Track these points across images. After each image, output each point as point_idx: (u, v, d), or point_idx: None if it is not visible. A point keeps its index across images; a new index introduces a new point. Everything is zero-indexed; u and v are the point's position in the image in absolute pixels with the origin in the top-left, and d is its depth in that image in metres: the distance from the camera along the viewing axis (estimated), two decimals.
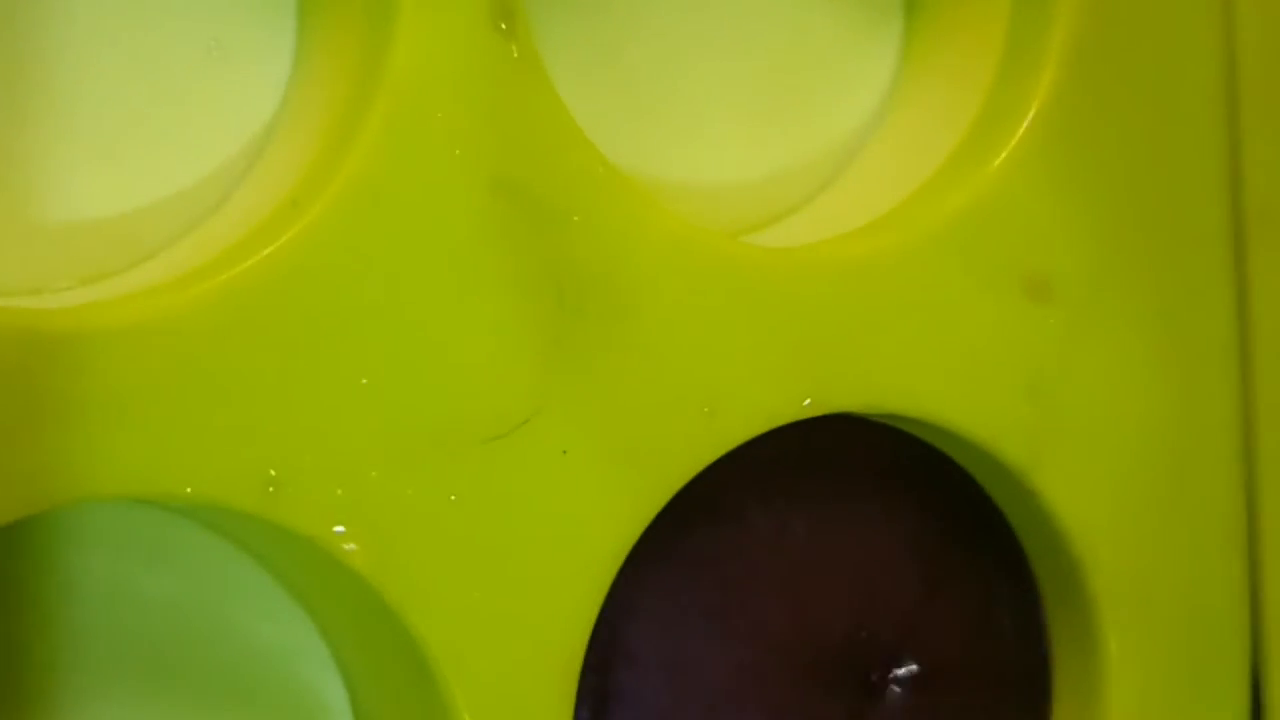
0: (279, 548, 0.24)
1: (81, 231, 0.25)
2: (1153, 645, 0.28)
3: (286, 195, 0.23)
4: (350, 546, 0.23)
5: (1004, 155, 0.27)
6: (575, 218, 0.24)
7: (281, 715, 0.25)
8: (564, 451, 0.24)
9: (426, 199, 0.23)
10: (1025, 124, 0.27)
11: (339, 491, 0.23)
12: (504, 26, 0.24)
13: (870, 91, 0.29)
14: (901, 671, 0.27)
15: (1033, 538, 0.28)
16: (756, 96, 0.28)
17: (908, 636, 0.27)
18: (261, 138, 0.25)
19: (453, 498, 0.23)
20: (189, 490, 0.22)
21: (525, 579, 0.24)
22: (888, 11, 0.29)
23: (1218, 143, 0.28)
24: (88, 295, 0.24)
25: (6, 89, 0.24)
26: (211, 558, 0.25)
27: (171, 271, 0.24)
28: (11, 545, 0.24)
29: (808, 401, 0.26)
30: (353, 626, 0.25)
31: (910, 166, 0.28)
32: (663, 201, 0.25)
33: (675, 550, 0.26)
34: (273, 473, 0.22)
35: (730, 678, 0.27)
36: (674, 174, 0.28)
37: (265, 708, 0.26)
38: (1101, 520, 0.27)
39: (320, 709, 0.26)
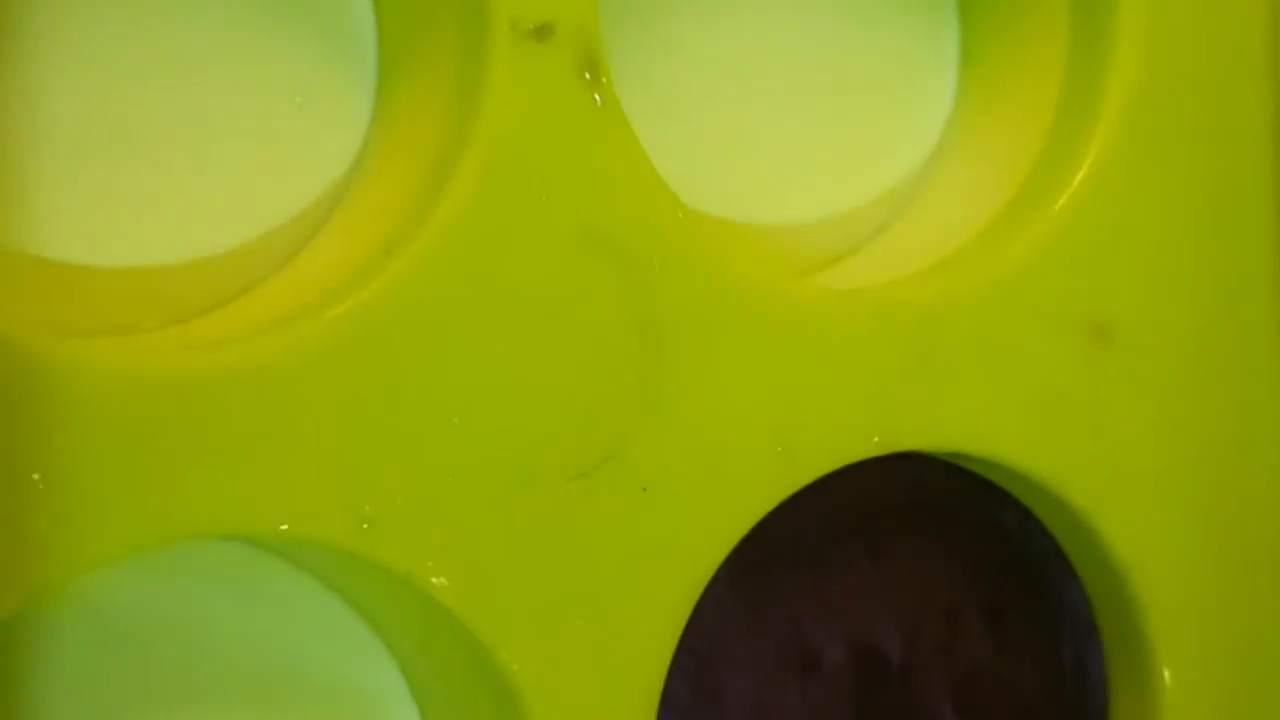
0: (369, 584, 0.25)
1: (168, 273, 0.25)
2: (1209, 684, 0.28)
3: (379, 241, 0.24)
4: (440, 581, 0.23)
5: (1064, 199, 0.27)
6: (656, 263, 0.25)
7: None
8: (644, 489, 0.25)
9: (516, 245, 0.24)
10: (1085, 169, 0.27)
11: (431, 529, 0.23)
12: (588, 75, 0.24)
13: (927, 135, 0.30)
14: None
15: (1092, 575, 0.28)
16: (819, 139, 0.29)
17: (969, 671, 0.28)
18: (342, 183, 0.26)
19: (539, 534, 0.24)
20: (285, 527, 0.23)
21: (607, 612, 0.24)
22: (944, 54, 0.30)
23: (1269, 188, 0.29)
24: (176, 335, 0.25)
25: (99, 135, 0.25)
26: (300, 596, 0.25)
27: (257, 313, 0.25)
28: (106, 581, 0.24)
29: (876, 439, 0.26)
30: (438, 663, 0.25)
31: (969, 210, 0.29)
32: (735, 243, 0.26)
33: (751, 587, 0.27)
34: (368, 509, 0.23)
35: (798, 716, 0.27)
36: (739, 213, 0.28)
37: None
38: (1160, 559, 0.28)
39: None
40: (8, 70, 0.24)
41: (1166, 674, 0.28)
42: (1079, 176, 0.27)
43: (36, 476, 0.21)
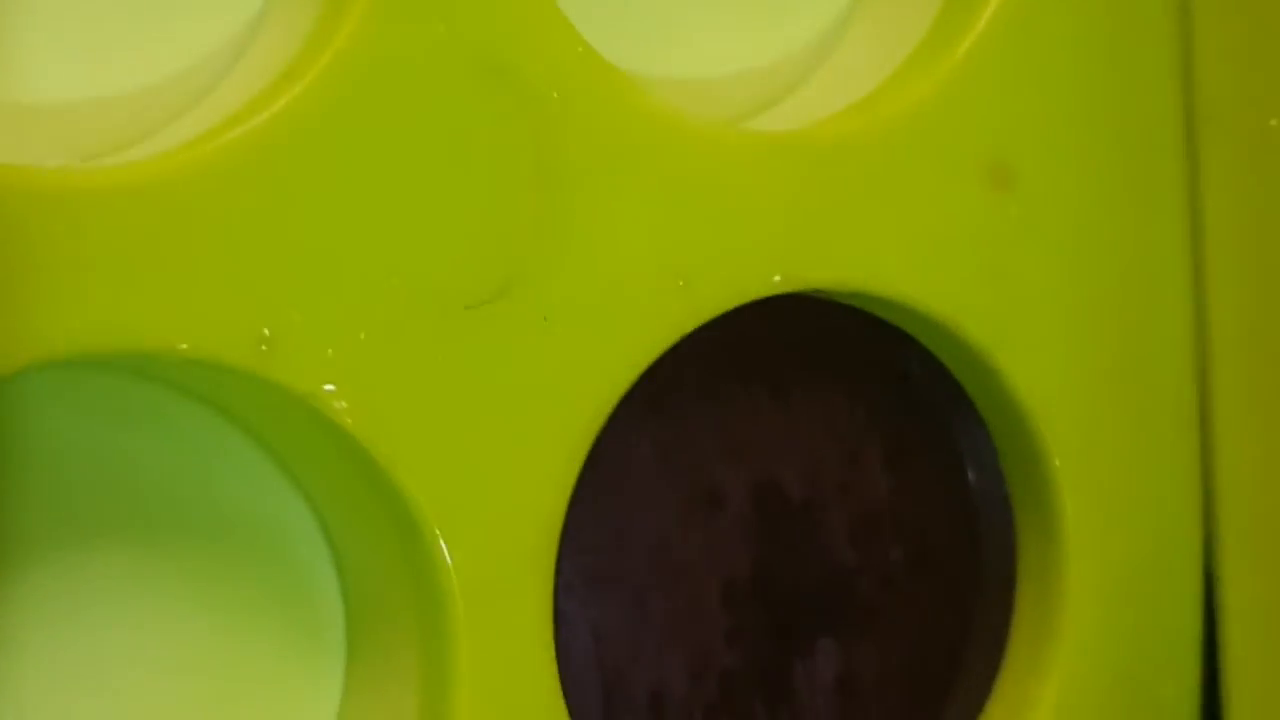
0: (269, 409, 0.25)
1: (77, 113, 0.25)
2: (1111, 520, 0.29)
3: (281, 70, 0.24)
4: (340, 405, 0.24)
5: (967, 44, 0.28)
6: (554, 94, 0.25)
7: (266, 577, 0.26)
8: (544, 318, 0.25)
9: (413, 73, 0.24)
10: (987, 14, 0.28)
11: (329, 351, 0.24)
12: None
13: None
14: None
15: (995, 416, 0.29)
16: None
17: (870, 511, 0.29)
18: (253, 21, 0.26)
19: (438, 360, 0.24)
20: (184, 346, 0.23)
21: (508, 439, 0.25)
22: None
23: (1170, 36, 0.29)
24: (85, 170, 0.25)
25: None
26: (200, 427, 0.26)
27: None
28: (11, 412, 0.25)
29: (777, 278, 0.27)
30: (339, 488, 0.26)
31: (878, 61, 0.29)
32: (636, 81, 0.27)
33: (656, 426, 0.27)
34: (266, 332, 0.23)
35: (701, 553, 0.28)
36: (650, 69, 0.29)
37: (250, 571, 0.26)
38: (1062, 399, 0.28)
39: (305, 571, 0.26)
40: None
41: (1068, 505, 0.28)
42: (981, 21, 0.28)
43: None
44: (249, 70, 0.26)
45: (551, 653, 0.25)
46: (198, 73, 0.26)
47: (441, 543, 0.24)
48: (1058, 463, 0.28)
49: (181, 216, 0.23)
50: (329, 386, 0.24)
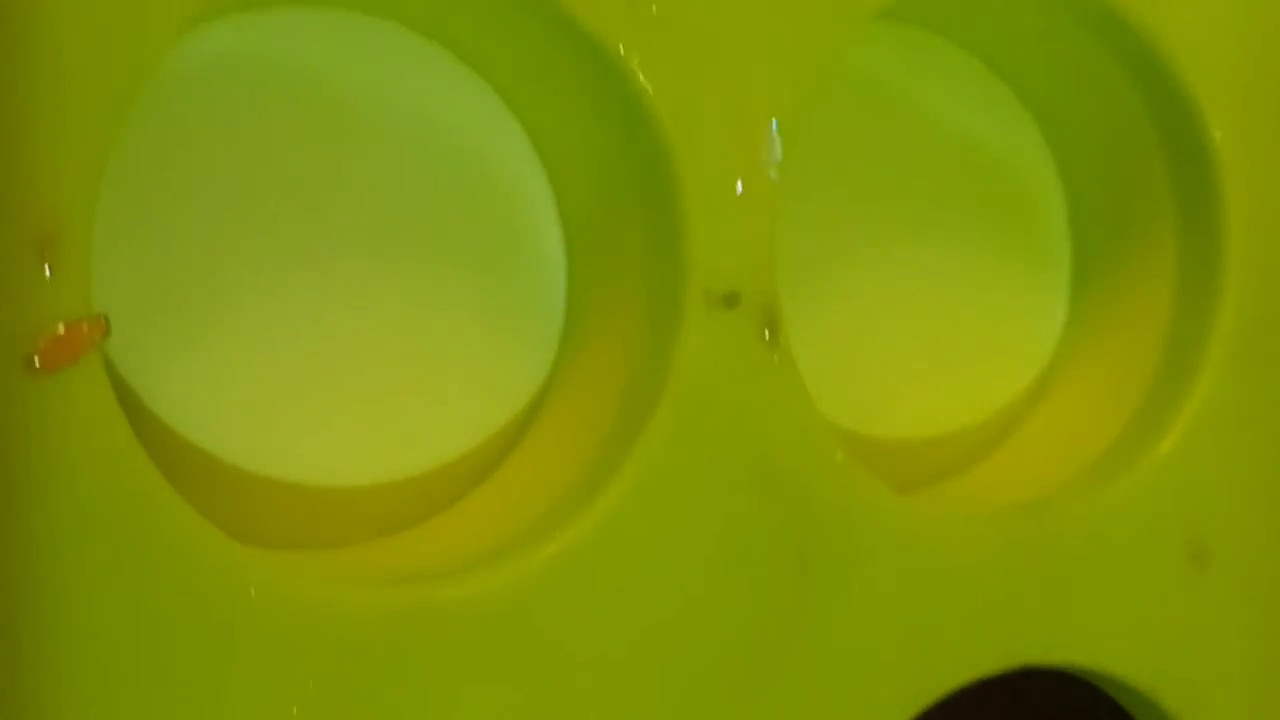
0: None
1: (374, 492, 0.28)
2: None
3: (571, 477, 0.27)
4: None
5: (1169, 443, 0.30)
6: (818, 500, 0.28)
7: None
8: (799, 699, 0.28)
9: (698, 486, 0.27)
10: (1188, 413, 0.30)
11: None
12: (768, 336, 0.27)
13: (1035, 363, 0.33)
14: None
15: None
16: (938, 366, 0.32)
17: None
18: (526, 412, 0.29)
19: None
20: None
21: None
22: (1055, 290, 0.33)
23: None
24: (383, 550, 0.28)
25: (297, 360, 0.28)
26: None
27: (455, 533, 0.27)
28: None
29: (1002, 656, 0.29)
30: None
31: (1071, 442, 0.32)
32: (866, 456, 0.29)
33: None
34: None
35: None
36: (870, 427, 0.32)
37: None
38: None
39: None
40: (240, 307, 0.27)
41: None
42: (1182, 419, 0.31)
43: (295, 710, 0.24)
44: (532, 458, 0.28)
45: None
46: (479, 454, 0.29)
47: None
48: None
49: (497, 630, 0.26)
50: None
